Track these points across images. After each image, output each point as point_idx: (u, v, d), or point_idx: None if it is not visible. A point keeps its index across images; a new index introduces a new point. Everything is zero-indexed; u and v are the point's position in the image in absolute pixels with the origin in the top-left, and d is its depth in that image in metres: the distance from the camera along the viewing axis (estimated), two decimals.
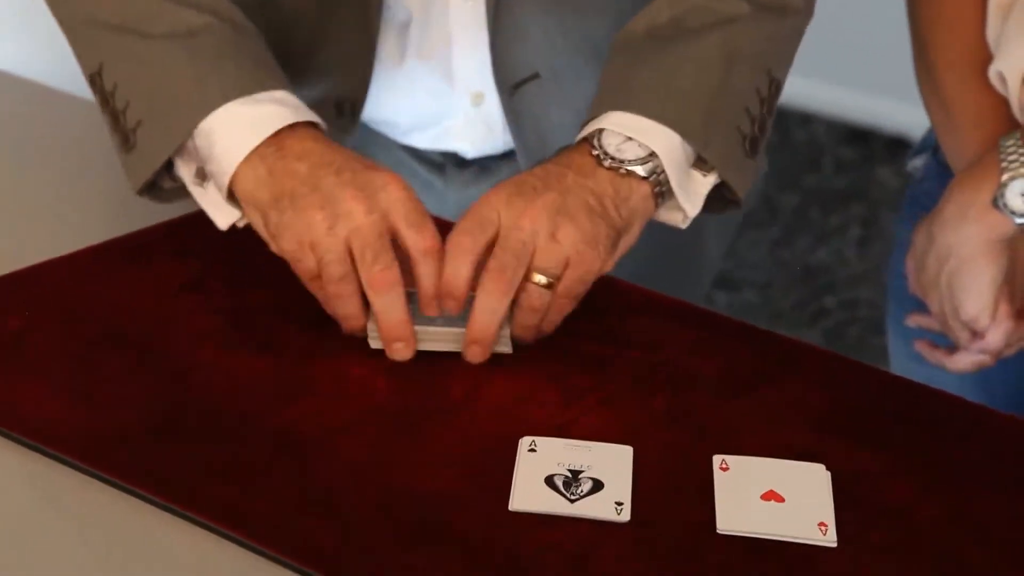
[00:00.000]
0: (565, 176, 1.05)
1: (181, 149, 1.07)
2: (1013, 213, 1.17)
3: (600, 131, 1.07)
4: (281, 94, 1.07)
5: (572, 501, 0.91)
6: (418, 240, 1.02)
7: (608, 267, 1.06)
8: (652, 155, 1.06)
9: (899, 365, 1.46)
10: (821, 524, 0.90)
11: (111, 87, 1.08)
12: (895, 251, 1.46)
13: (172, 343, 1.04)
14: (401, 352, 1.03)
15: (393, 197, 1.02)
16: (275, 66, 1.10)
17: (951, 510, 0.92)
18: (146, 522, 0.89)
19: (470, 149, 1.37)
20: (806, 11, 1.16)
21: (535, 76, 1.30)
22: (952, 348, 1.27)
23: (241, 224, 1.08)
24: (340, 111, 1.31)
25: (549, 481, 0.92)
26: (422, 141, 1.37)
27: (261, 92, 1.06)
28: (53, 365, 1.01)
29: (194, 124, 1.05)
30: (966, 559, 0.88)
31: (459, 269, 1.02)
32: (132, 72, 1.07)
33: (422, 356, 1.04)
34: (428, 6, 1.27)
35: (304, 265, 1.02)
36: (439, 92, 1.32)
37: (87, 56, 1.10)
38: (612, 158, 1.06)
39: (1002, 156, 1.17)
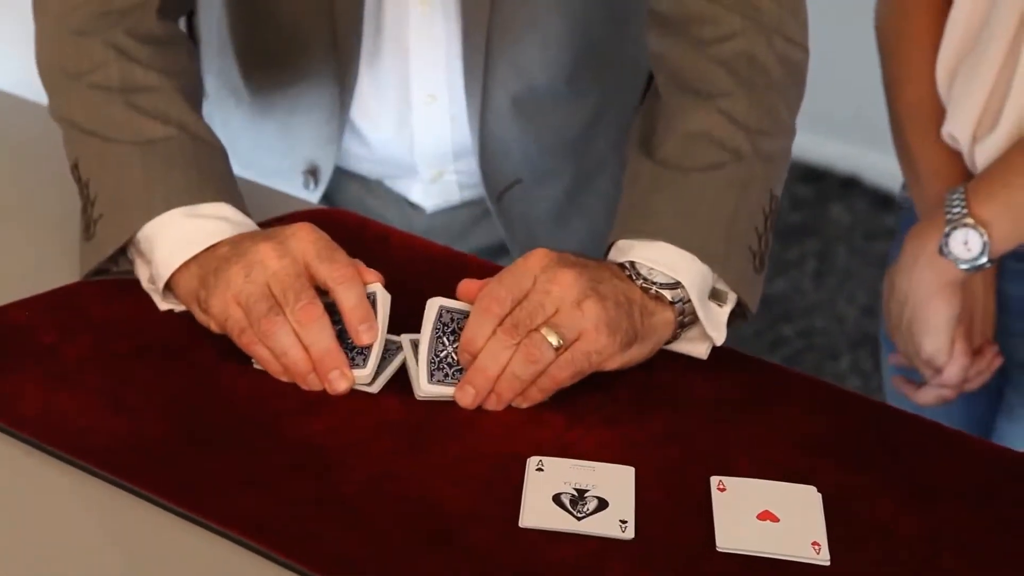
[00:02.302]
0: (603, 269, 1.03)
1: (138, 249, 1.08)
2: (957, 260, 1.19)
3: (632, 262, 1.05)
4: (226, 209, 1.07)
5: (579, 519, 0.90)
6: (331, 270, 1.00)
7: (613, 364, 1.01)
8: (678, 284, 1.04)
9: (889, 383, 1.48)
10: (814, 544, 0.89)
11: (85, 179, 1.10)
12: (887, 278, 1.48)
13: (198, 358, 1.03)
14: (339, 381, 1.00)
15: (303, 240, 1.01)
16: (228, 180, 1.11)
17: (930, 525, 0.93)
18: (173, 531, 0.88)
19: (429, 206, 1.39)
20: (792, 130, 1.15)
21: (518, 181, 1.34)
22: (921, 383, 1.28)
23: (179, 310, 1.07)
24: (306, 184, 1.35)
25: (557, 499, 0.91)
26: (389, 185, 1.39)
27: (204, 204, 1.06)
28: (84, 377, 1.00)
29: (138, 227, 1.06)
30: (945, 569, 0.89)
31: (481, 329, 0.99)
32: (98, 171, 1.09)
33: None
34: (394, 101, 1.30)
35: (233, 322, 1.00)
36: (402, 166, 1.35)
37: (68, 150, 1.12)
38: (644, 279, 1.04)
39: (947, 208, 1.21)
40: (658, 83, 1.16)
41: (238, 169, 1.38)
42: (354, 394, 1.00)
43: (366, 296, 1.01)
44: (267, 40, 1.30)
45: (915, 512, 0.93)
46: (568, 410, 1.01)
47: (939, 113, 1.28)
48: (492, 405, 1.00)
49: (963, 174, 1.27)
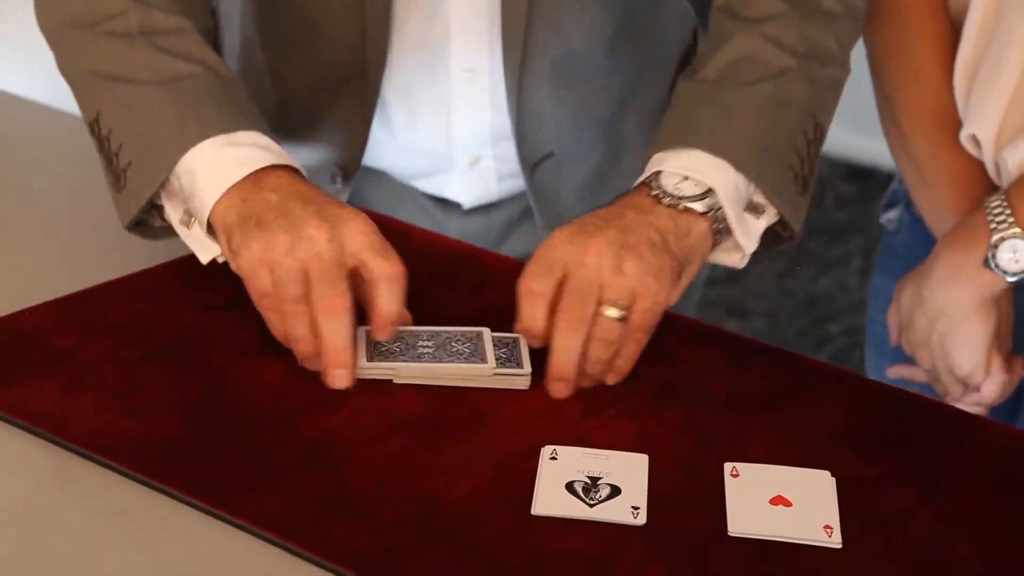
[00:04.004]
0: (624, 215, 1.04)
1: (170, 191, 1.07)
2: (1005, 272, 1.15)
3: (657, 173, 1.06)
4: (262, 138, 1.07)
5: (591, 505, 0.90)
6: (384, 265, 1.00)
7: (673, 299, 1.04)
8: (709, 191, 1.04)
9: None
10: (827, 527, 0.89)
11: (107, 132, 1.08)
12: (872, 300, 1.43)
13: (214, 358, 1.04)
14: (341, 379, 0.99)
15: (357, 231, 1.01)
16: (257, 115, 1.10)
17: (946, 513, 0.92)
18: (189, 525, 0.89)
19: (467, 200, 1.37)
20: (844, 64, 1.15)
21: (550, 155, 1.33)
22: (936, 397, 1.24)
23: (221, 260, 1.07)
24: (333, 179, 1.33)
25: (569, 487, 0.91)
26: (421, 186, 1.38)
27: (240, 132, 1.06)
28: (101, 379, 1.01)
29: (174, 161, 1.05)
30: (959, 559, 0.88)
31: (535, 313, 1.01)
32: (123, 117, 1.08)
33: None
34: (430, 82, 1.28)
35: (257, 283, 1.01)
36: (437, 155, 1.34)
37: (87, 105, 1.11)
38: (671, 195, 1.04)
39: (989, 217, 1.15)
40: (710, 16, 1.16)
41: None
42: (368, 390, 1.00)
43: (403, 301, 1.01)
44: (292, 22, 1.29)
45: (933, 500, 0.92)
46: (584, 403, 1.01)
47: (950, 117, 1.24)
48: (585, 385, 1.02)
49: (981, 179, 1.23)
